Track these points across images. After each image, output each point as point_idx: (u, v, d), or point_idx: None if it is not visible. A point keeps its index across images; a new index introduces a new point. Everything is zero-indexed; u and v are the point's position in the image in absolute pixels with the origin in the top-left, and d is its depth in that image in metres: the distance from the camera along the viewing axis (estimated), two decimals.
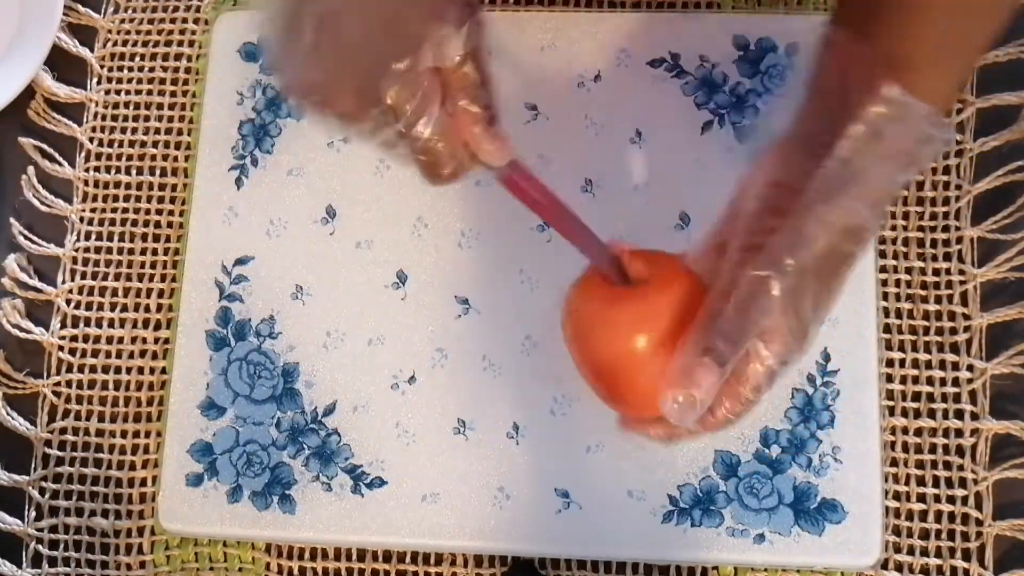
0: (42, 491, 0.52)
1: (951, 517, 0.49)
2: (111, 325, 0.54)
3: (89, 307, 0.55)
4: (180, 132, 0.57)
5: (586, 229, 0.38)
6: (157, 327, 0.54)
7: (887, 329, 0.51)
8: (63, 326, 0.54)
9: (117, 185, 0.56)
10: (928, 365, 0.50)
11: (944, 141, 0.36)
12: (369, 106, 0.34)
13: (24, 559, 0.52)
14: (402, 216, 0.53)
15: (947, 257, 0.52)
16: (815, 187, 0.36)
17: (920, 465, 0.49)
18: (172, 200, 0.56)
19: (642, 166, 0.53)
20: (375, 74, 0.33)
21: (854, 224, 0.36)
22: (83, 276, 0.55)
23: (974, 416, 0.50)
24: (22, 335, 0.54)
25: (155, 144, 0.57)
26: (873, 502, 0.48)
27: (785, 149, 0.38)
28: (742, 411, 0.37)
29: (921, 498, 0.49)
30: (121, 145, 0.57)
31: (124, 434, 0.53)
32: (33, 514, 0.52)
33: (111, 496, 0.52)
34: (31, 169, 0.56)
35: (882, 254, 0.52)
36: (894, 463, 0.50)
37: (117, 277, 0.55)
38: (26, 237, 0.56)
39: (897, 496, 0.49)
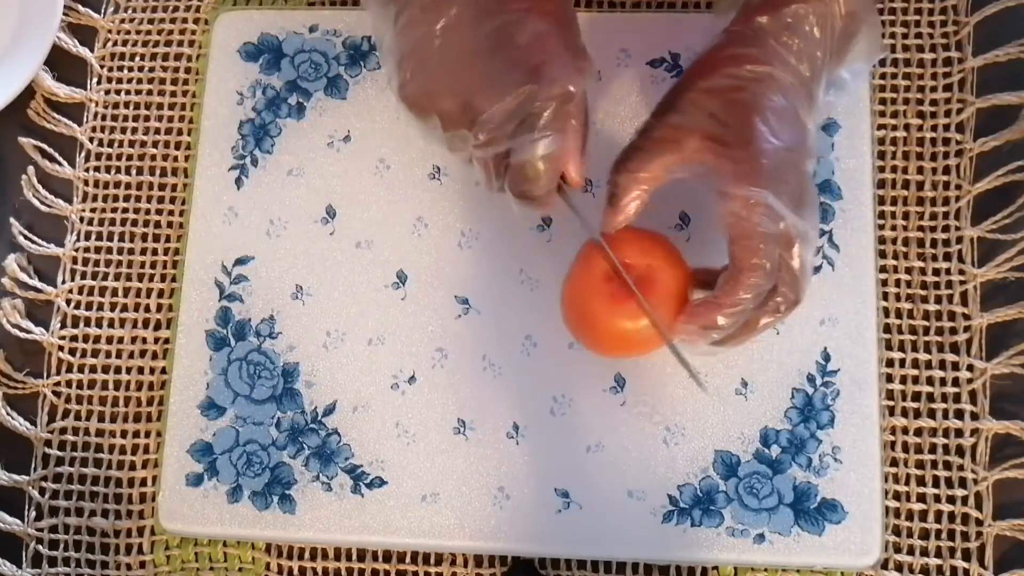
0: (42, 491, 0.52)
1: (951, 517, 0.49)
2: (111, 325, 0.54)
3: (89, 307, 0.55)
4: (180, 132, 0.57)
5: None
6: (157, 327, 0.54)
7: (887, 329, 0.51)
8: (63, 326, 0.54)
9: (117, 185, 0.56)
10: (928, 365, 0.50)
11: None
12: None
13: (24, 559, 0.52)
14: (402, 216, 0.53)
15: (947, 257, 0.52)
16: (777, 59, 0.42)
17: (920, 465, 0.49)
18: (172, 200, 0.56)
19: None
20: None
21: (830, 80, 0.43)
22: (83, 276, 0.55)
23: (974, 416, 0.50)
24: (22, 335, 0.54)
25: (155, 144, 0.57)
26: (873, 502, 0.48)
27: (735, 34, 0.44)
28: (800, 286, 0.42)
29: (921, 498, 0.49)
30: (121, 145, 0.57)
31: (124, 434, 0.53)
32: (33, 514, 0.52)
33: (111, 496, 0.52)
34: (31, 169, 0.56)
35: (882, 254, 0.52)
36: (894, 463, 0.50)
37: (117, 277, 0.55)
38: (26, 237, 0.56)
39: (897, 496, 0.49)
